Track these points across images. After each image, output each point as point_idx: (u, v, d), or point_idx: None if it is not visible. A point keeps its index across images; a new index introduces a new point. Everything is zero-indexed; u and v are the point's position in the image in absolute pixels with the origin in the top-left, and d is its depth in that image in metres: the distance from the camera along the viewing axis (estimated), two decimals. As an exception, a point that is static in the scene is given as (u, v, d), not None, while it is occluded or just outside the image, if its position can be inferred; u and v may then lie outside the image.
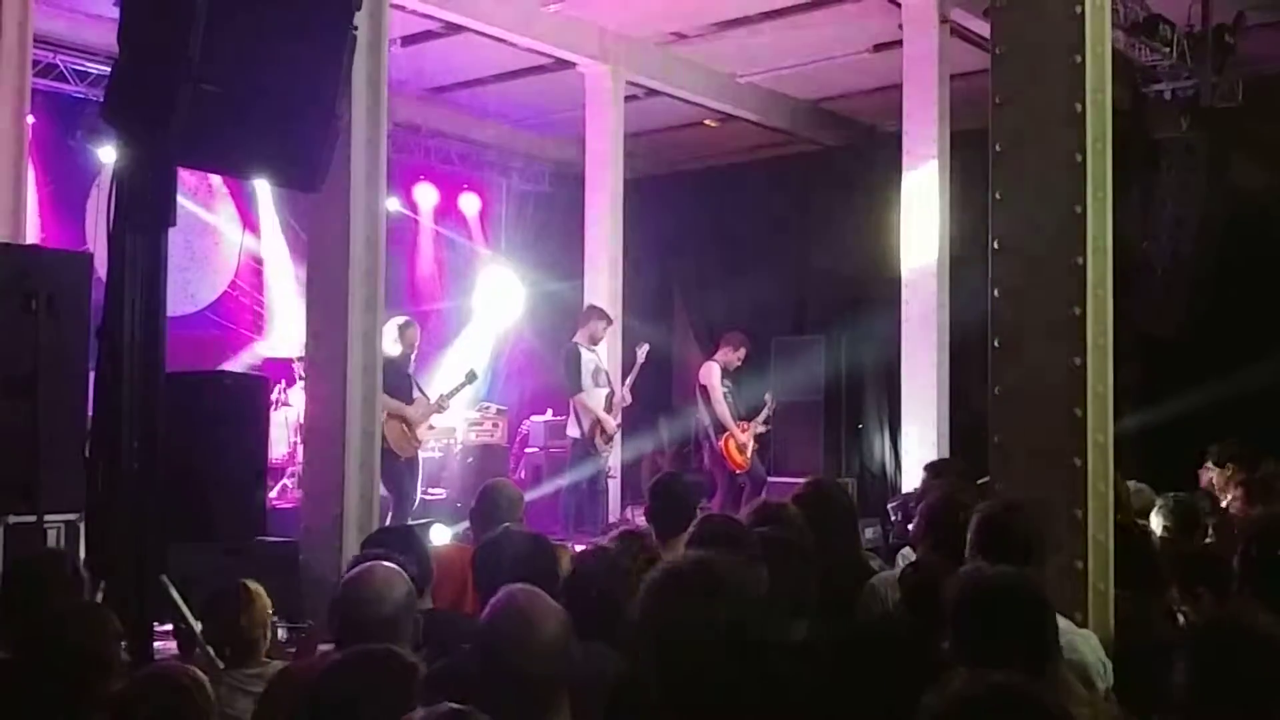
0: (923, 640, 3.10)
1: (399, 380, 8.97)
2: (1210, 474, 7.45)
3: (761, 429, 10.89)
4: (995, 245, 4.65)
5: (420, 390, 9.54)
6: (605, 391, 10.34)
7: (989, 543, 3.81)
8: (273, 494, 9.73)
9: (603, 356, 10.60)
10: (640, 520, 6.39)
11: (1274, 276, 10.56)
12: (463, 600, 4.77)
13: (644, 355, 10.65)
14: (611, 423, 10.30)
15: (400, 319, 9.21)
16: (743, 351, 10.89)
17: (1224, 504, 6.80)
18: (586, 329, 10.39)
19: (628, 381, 10.67)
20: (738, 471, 10.59)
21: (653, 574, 2.24)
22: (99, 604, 4.01)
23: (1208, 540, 5.64)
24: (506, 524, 4.49)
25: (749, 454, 10.66)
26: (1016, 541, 3.79)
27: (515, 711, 2.59)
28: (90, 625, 3.50)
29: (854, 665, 2.72)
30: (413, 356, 9.50)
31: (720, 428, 10.60)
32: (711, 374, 10.75)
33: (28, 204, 9.19)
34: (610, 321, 10.71)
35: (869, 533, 8.51)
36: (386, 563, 3.56)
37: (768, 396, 11.04)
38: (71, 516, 6.07)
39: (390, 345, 8.59)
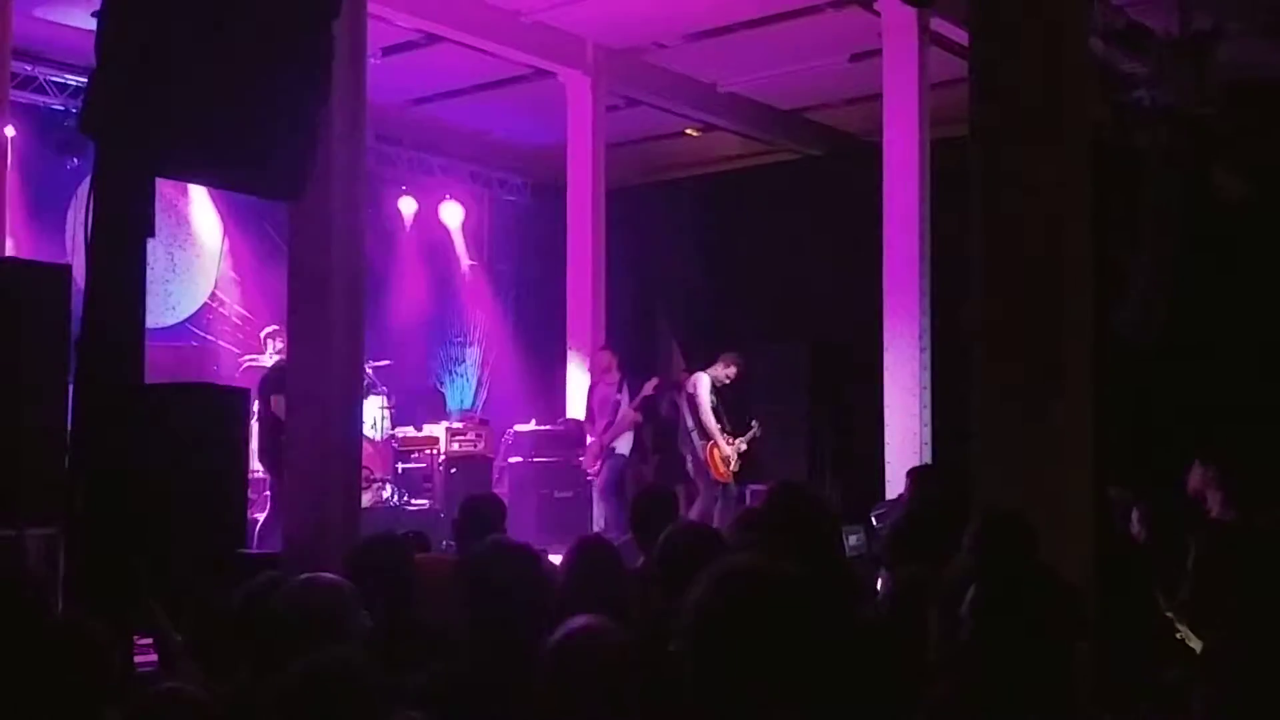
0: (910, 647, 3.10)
1: None
2: (1195, 479, 7.45)
3: (744, 447, 10.88)
4: (975, 252, 4.67)
5: None
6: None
7: (989, 549, 3.80)
8: (253, 506, 9.67)
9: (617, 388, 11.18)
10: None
11: (1254, 283, 10.60)
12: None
13: (650, 388, 11.16)
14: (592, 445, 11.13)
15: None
16: (734, 370, 10.94)
17: (1208, 509, 6.81)
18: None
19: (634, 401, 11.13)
20: (719, 481, 10.62)
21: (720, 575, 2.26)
22: (90, 620, 3.96)
23: (1190, 545, 5.65)
24: (495, 536, 4.48)
25: (732, 466, 10.71)
26: (1016, 547, 3.78)
27: None
28: (84, 642, 3.46)
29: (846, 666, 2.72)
30: None
31: (704, 435, 10.65)
32: (700, 384, 10.82)
33: (6, 216, 9.15)
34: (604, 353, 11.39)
35: (853, 539, 8.51)
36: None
37: (754, 423, 11.04)
38: (51, 530, 6.03)
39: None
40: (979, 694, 2.04)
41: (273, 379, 9.60)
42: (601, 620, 2.98)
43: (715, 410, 10.76)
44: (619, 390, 11.03)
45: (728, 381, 10.94)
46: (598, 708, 2.57)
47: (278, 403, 9.20)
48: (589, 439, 11.16)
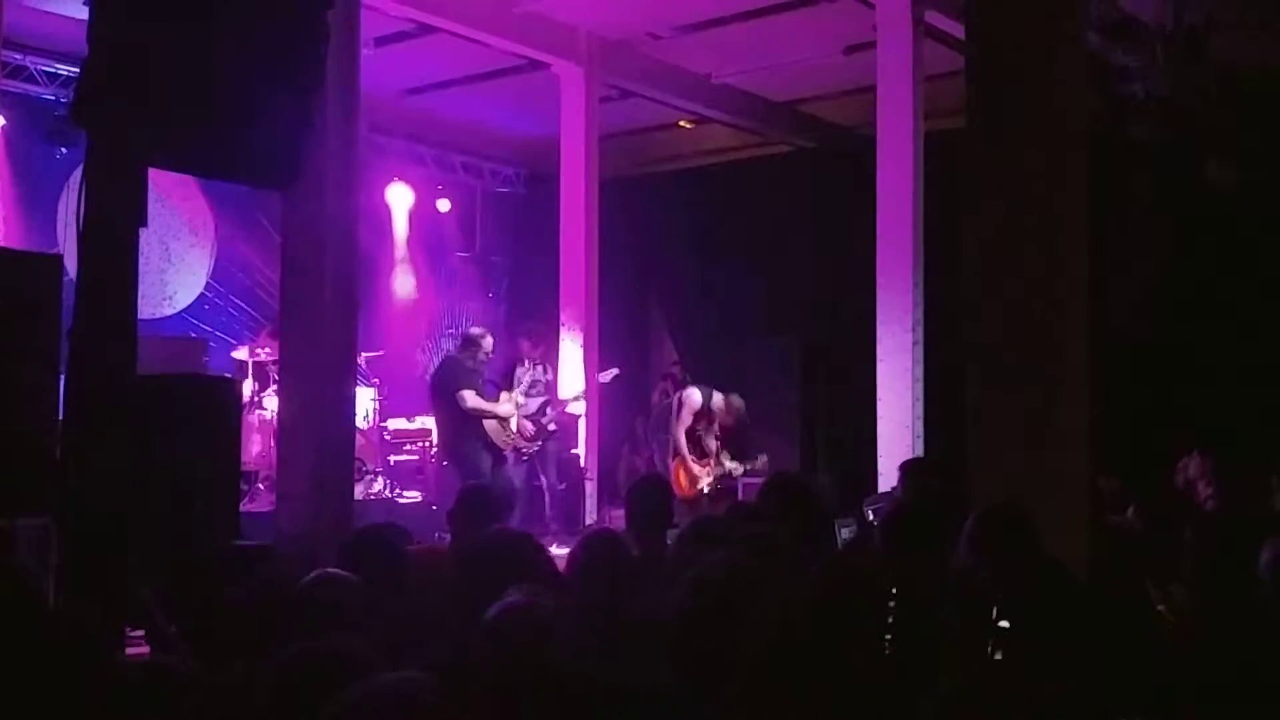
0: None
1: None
2: (1193, 469, 7.47)
3: (739, 469, 10.53)
4: (971, 245, 4.66)
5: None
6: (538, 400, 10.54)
7: (987, 541, 3.80)
8: (246, 498, 9.66)
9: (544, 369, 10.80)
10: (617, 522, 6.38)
11: (1247, 275, 10.63)
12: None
13: (608, 377, 11.05)
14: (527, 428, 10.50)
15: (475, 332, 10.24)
16: (730, 420, 10.71)
17: (1201, 501, 6.83)
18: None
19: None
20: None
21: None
22: (82, 610, 3.96)
23: (1184, 538, 5.66)
24: (496, 525, 4.48)
25: (701, 487, 10.38)
26: (1023, 541, 3.78)
27: None
28: (76, 633, 3.45)
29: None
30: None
31: (674, 451, 10.49)
32: (688, 400, 10.60)
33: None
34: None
35: (845, 532, 8.52)
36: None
37: (762, 456, 10.72)
38: (43, 521, 6.01)
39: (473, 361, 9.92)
40: (992, 685, 2.02)
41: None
42: (532, 595, 3.02)
43: (700, 435, 10.53)
44: (546, 372, 10.88)
45: (719, 421, 10.63)
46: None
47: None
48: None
